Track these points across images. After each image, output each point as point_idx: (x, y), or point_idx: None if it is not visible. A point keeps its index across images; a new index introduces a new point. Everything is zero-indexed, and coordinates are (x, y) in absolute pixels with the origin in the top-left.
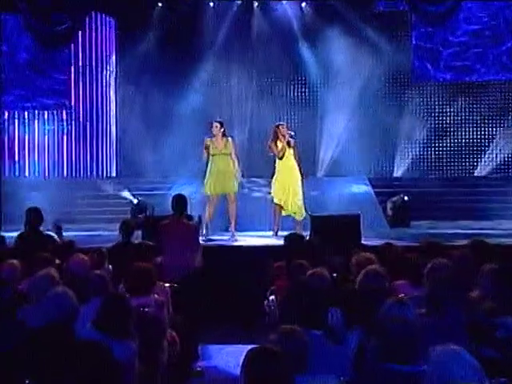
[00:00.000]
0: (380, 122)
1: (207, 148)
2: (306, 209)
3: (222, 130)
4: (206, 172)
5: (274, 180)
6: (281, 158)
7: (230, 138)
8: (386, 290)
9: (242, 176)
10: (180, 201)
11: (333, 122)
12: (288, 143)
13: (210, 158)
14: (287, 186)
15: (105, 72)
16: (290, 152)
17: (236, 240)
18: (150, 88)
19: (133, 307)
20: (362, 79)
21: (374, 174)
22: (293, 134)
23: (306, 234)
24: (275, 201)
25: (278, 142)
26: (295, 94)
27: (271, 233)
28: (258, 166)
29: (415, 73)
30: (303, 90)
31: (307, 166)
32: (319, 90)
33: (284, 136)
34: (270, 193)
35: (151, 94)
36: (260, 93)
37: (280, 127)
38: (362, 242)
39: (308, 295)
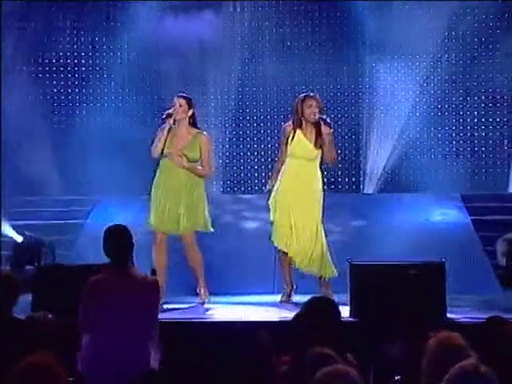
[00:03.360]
0: (480, 94)
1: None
2: (331, 253)
3: (191, 112)
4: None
5: (273, 198)
6: (290, 156)
7: (205, 134)
8: None
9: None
10: (122, 238)
11: (390, 98)
12: (316, 133)
13: (160, 162)
14: (291, 217)
15: None
16: (312, 152)
17: (207, 309)
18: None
19: None
20: (445, 21)
21: (471, 189)
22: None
23: (341, 298)
24: (274, 242)
25: (298, 131)
26: (324, 50)
27: (279, 297)
28: (253, 173)
29: None
30: (338, 41)
31: (345, 174)
32: (367, 41)
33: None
34: (271, 223)
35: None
36: (261, 45)
37: (307, 100)
38: (449, 315)
39: None
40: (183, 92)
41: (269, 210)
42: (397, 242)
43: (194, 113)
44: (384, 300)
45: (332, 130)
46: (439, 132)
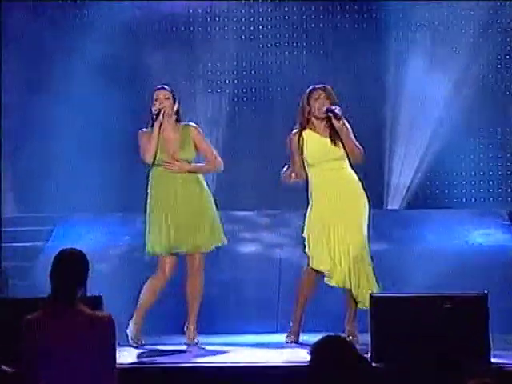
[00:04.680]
0: None
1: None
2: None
3: (177, 106)
4: (146, 202)
5: (307, 218)
6: (312, 164)
7: (192, 125)
8: None
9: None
10: (70, 267)
11: (418, 101)
12: (331, 127)
13: (153, 170)
14: (330, 239)
15: None
16: (334, 151)
17: (197, 352)
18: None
19: None
20: (482, 17)
21: None
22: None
23: (360, 338)
24: (313, 265)
25: (309, 132)
26: (345, 50)
27: (284, 337)
28: (252, 185)
29: None
30: (360, 41)
31: (365, 187)
32: (393, 41)
33: (324, 110)
34: (305, 247)
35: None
36: (260, 32)
37: (314, 92)
38: (493, 359)
39: None
40: (164, 84)
41: (304, 242)
42: (428, 268)
43: (179, 107)
44: (412, 340)
45: (342, 123)
46: (479, 138)
